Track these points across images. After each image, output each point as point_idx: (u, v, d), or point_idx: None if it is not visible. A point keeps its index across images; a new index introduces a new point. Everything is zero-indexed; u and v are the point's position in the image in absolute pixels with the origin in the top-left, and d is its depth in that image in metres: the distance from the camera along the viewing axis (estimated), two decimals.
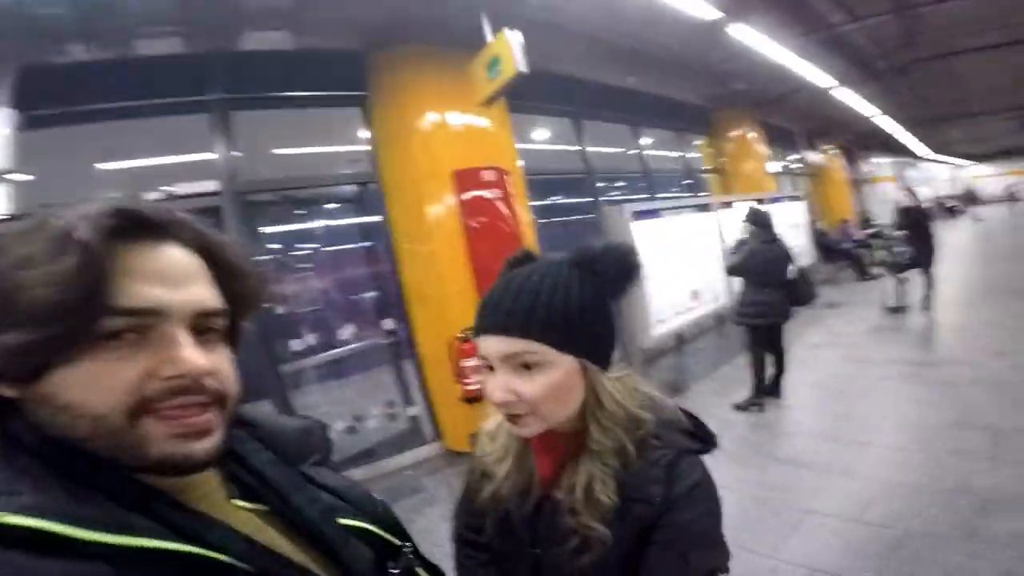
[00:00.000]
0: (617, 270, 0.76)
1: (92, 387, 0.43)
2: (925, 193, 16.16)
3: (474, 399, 3.69)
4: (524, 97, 4.88)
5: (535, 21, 3.78)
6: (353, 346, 4.10)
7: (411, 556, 0.69)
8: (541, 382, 0.72)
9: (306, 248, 4.25)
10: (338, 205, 4.51)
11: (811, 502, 2.69)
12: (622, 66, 5.81)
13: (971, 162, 28.84)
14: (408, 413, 4.24)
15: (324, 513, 0.61)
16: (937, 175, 26.40)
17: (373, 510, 0.70)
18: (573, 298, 0.73)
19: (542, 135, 5.92)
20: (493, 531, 0.87)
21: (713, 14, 4.63)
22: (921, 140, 16.97)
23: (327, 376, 4.26)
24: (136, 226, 0.46)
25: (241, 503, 0.58)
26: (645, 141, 7.02)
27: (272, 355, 3.60)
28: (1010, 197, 19.43)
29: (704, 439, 0.82)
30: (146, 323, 0.45)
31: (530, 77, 3.21)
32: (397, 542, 0.69)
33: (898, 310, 6.36)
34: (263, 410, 0.72)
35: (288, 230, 4.23)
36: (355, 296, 4.37)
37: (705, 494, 0.76)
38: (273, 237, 4.06)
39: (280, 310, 3.76)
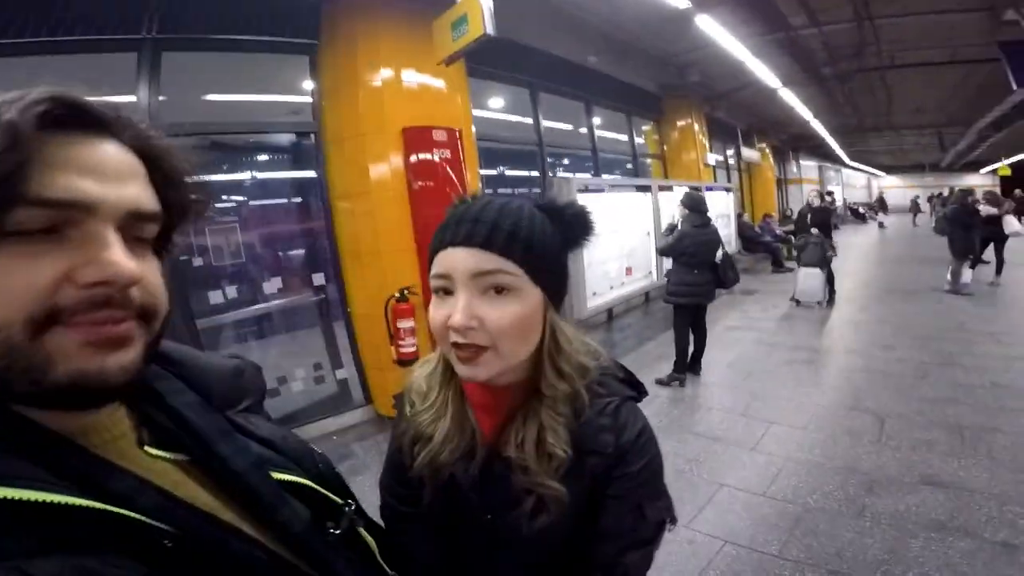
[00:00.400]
0: (579, 223, 0.73)
1: None
2: (837, 197, 17.59)
3: (409, 361, 3.61)
4: (484, 63, 4.76)
5: None
6: (279, 302, 3.84)
7: (354, 515, 0.62)
8: (512, 310, 0.64)
9: (232, 200, 3.87)
10: (269, 157, 4.15)
11: (725, 476, 2.88)
12: (585, 44, 5.81)
13: (884, 173, 31.66)
14: (337, 376, 4.09)
15: (254, 465, 0.53)
16: (855, 182, 28.72)
17: (312, 464, 0.63)
18: (548, 233, 0.70)
19: (496, 104, 5.78)
20: (436, 501, 0.78)
21: (682, 2, 4.65)
22: (844, 147, 18.32)
23: (249, 335, 3.98)
24: (74, 117, 0.39)
25: (156, 451, 0.49)
26: (596, 121, 7.07)
27: (186, 307, 3.30)
28: (914, 208, 21.37)
29: (637, 387, 0.80)
30: (69, 218, 0.38)
31: (493, 42, 3.11)
32: (338, 500, 0.61)
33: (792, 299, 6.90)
34: (185, 348, 0.60)
35: (214, 180, 3.84)
36: (283, 252, 4.06)
37: (650, 441, 0.75)
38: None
39: (199, 262, 3.43)
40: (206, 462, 0.51)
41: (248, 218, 3.86)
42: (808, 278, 6.71)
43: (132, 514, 0.39)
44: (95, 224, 0.39)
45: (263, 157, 4.11)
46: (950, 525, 2.28)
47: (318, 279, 3.98)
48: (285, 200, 4.16)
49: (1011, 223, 7.53)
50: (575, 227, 0.72)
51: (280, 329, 4.06)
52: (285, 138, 4.04)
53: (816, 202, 7.67)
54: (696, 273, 4.25)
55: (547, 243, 0.68)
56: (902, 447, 3.02)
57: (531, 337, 0.68)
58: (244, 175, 3.95)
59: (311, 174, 4.00)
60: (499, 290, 0.64)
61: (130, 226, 0.42)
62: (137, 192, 0.42)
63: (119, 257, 0.39)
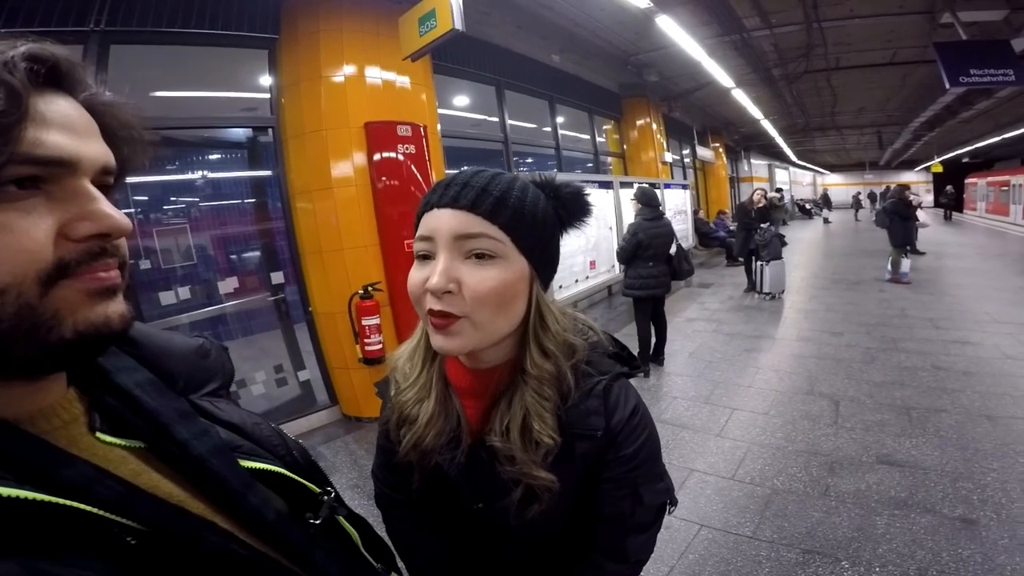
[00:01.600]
0: (576, 203, 0.71)
1: None
2: (786, 194, 18.40)
3: (375, 360, 3.52)
4: (450, 60, 4.72)
5: None
6: (236, 302, 3.66)
7: (334, 503, 0.58)
8: (492, 275, 0.61)
9: (184, 200, 3.65)
10: (224, 154, 3.95)
11: (694, 461, 2.95)
12: (550, 42, 5.88)
13: (828, 171, 33.35)
14: (300, 377, 3.94)
15: (218, 451, 0.48)
16: (801, 179, 30.11)
17: (286, 452, 0.58)
18: (540, 206, 0.67)
19: (462, 101, 5.76)
20: (425, 488, 0.75)
21: (643, 2, 4.73)
22: (792, 146, 19.17)
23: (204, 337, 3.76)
24: (46, 73, 0.39)
25: (109, 438, 0.44)
26: (560, 120, 7.14)
27: (135, 309, 3.08)
28: (855, 204, 22.62)
29: (628, 361, 0.77)
30: (52, 174, 0.37)
31: (459, 39, 3.07)
32: (316, 489, 0.57)
33: (760, 292, 7.17)
34: (142, 325, 0.54)
35: (165, 180, 3.61)
36: (239, 251, 3.87)
37: (644, 420, 0.73)
38: (144, 188, 3.43)
39: (147, 264, 3.23)
40: (163, 448, 0.46)
41: (201, 217, 3.65)
42: (775, 270, 6.97)
43: (88, 508, 0.35)
44: (76, 180, 0.39)
45: (217, 155, 3.90)
46: (910, 502, 2.40)
47: (277, 278, 3.82)
48: (240, 198, 3.96)
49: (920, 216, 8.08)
50: (571, 206, 0.70)
51: (239, 332, 3.87)
52: (241, 134, 3.85)
53: (762, 201, 7.97)
54: (651, 266, 4.34)
55: (538, 215, 0.65)
56: (857, 429, 3.17)
57: (512, 309, 0.65)
58: (197, 173, 3.73)
59: (268, 172, 3.85)
60: (481, 256, 0.61)
61: (100, 182, 0.41)
62: (103, 147, 0.42)
63: (112, 210, 0.40)
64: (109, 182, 0.43)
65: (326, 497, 0.57)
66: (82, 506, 0.35)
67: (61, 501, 0.34)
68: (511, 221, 0.62)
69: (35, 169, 0.36)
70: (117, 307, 0.41)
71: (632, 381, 0.75)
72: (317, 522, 0.54)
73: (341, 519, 0.60)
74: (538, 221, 0.65)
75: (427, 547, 0.81)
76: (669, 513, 0.77)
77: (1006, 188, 17.10)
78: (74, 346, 0.38)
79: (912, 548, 2.10)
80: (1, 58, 0.36)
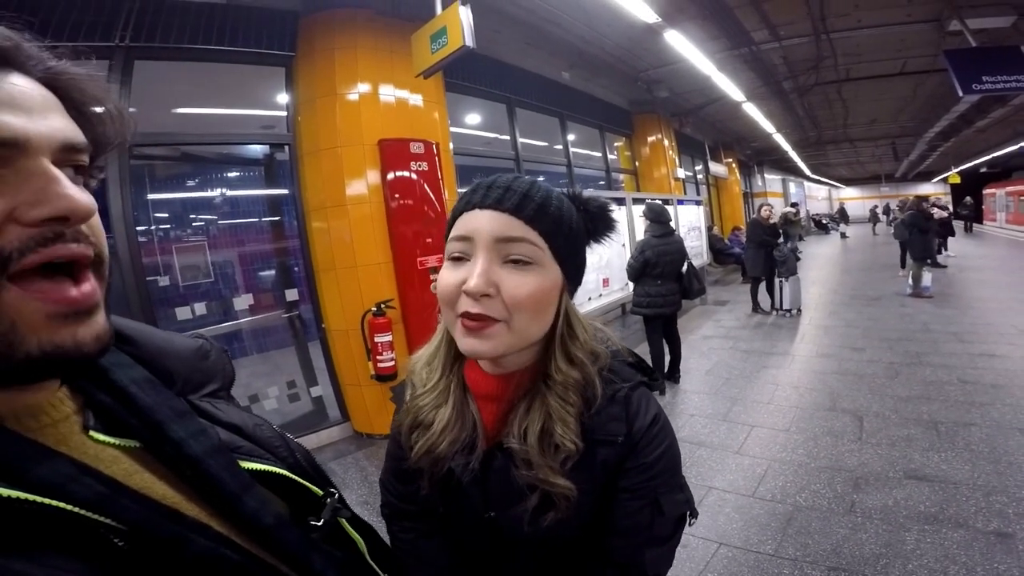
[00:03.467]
0: (602, 218, 0.71)
1: None
2: (801, 209, 18.22)
3: (387, 376, 3.51)
4: (461, 77, 4.81)
5: (487, 3, 3.69)
6: (251, 318, 3.69)
7: (337, 505, 0.56)
8: (532, 282, 0.61)
9: (203, 217, 3.74)
10: (242, 171, 4.04)
11: (712, 479, 2.87)
12: (559, 59, 5.97)
13: (843, 185, 33.02)
14: (312, 393, 3.94)
15: (215, 451, 0.47)
16: (816, 194, 29.84)
17: (288, 454, 0.57)
18: (574, 217, 0.67)
19: (474, 119, 5.86)
20: (435, 496, 0.73)
21: (652, 17, 4.80)
22: (805, 160, 19.05)
23: None
24: None
25: (102, 437, 0.42)
26: (571, 137, 7.19)
27: (151, 320, 3.14)
28: (872, 218, 22.29)
29: (648, 372, 0.76)
30: (2, 156, 0.34)
31: (470, 57, 3.11)
32: (319, 492, 0.56)
33: (779, 309, 7.05)
34: (139, 324, 0.54)
35: (184, 198, 3.71)
36: (255, 269, 3.93)
37: (665, 429, 0.71)
38: (164, 205, 3.53)
39: (165, 281, 3.29)
40: (158, 447, 0.44)
41: (219, 233, 3.72)
42: (793, 286, 6.86)
43: (65, 506, 0.33)
44: (29, 160, 0.35)
45: (235, 172, 4.00)
46: (941, 517, 2.31)
47: (291, 295, 3.86)
48: (257, 214, 4.04)
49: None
50: (598, 221, 0.71)
51: (253, 349, 3.91)
52: (258, 150, 3.94)
53: (772, 216, 7.77)
54: (660, 284, 4.26)
55: (573, 225, 0.66)
56: (882, 444, 3.07)
57: (545, 316, 0.65)
58: (216, 190, 3.82)
59: (284, 190, 3.92)
60: (518, 262, 0.61)
61: (64, 160, 0.38)
62: (63, 123, 0.39)
63: (71, 190, 0.36)
64: (82, 161, 0.40)
65: (328, 499, 0.56)
66: (59, 504, 0.33)
67: (34, 498, 0.32)
68: (551, 228, 0.63)
69: None
70: (90, 329, 0.37)
71: None
72: (319, 524, 0.53)
73: (346, 526, 0.58)
74: (573, 231, 0.66)
75: (431, 559, 0.78)
76: (690, 525, 0.74)
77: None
78: (44, 364, 0.35)
79: (944, 564, 2.01)
80: None
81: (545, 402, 0.66)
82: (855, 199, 32.10)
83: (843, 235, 19.80)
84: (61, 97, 0.40)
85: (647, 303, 4.30)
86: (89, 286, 0.37)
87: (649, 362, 3.81)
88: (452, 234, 0.64)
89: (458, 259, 0.63)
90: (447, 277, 0.63)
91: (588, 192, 0.72)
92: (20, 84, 0.36)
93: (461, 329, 0.62)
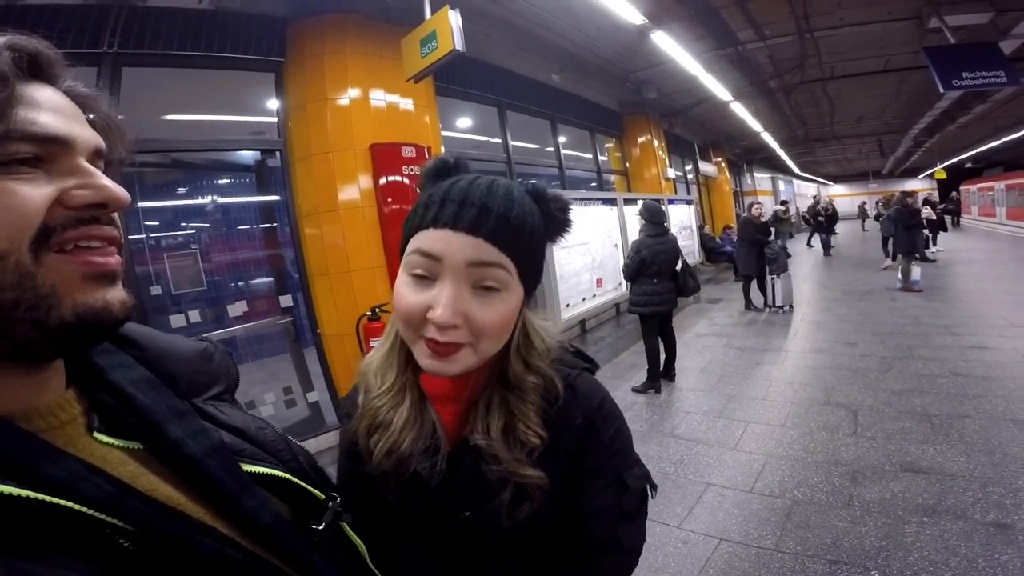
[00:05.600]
0: (562, 220, 0.69)
1: None
2: (791, 207, 18.39)
3: None
4: (452, 82, 4.82)
5: (476, 8, 3.70)
6: (246, 325, 3.67)
7: (338, 510, 0.56)
8: (500, 310, 0.59)
9: (194, 225, 3.71)
10: (233, 177, 4.01)
11: (710, 475, 2.87)
12: (549, 62, 5.99)
13: (831, 182, 33.34)
14: (308, 399, 3.91)
15: (213, 451, 0.47)
16: (805, 191, 30.11)
17: (291, 457, 0.57)
18: (538, 224, 0.65)
19: (465, 123, 5.88)
20: (403, 502, 0.69)
21: (639, 19, 4.84)
22: (793, 158, 19.24)
23: None
24: (28, 63, 0.40)
25: (106, 438, 0.43)
26: (562, 139, 7.22)
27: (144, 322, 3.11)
28: (862, 214, 22.50)
29: (589, 360, 0.78)
30: (50, 152, 0.39)
31: (461, 61, 3.13)
32: (321, 495, 0.56)
33: (772, 306, 7.10)
34: (143, 327, 0.54)
35: (175, 205, 3.68)
36: (248, 275, 3.90)
37: (613, 410, 0.73)
38: (156, 213, 3.49)
39: (157, 290, 3.26)
40: (158, 448, 0.45)
41: (210, 241, 3.69)
42: (785, 283, 6.92)
43: (73, 505, 0.33)
44: (73, 158, 0.40)
45: (227, 179, 3.97)
46: (939, 509, 2.32)
47: (285, 301, 3.83)
48: (249, 223, 4.01)
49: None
50: (559, 222, 0.69)
51: (248, 356, 3.87)
52: (250, 158, 3.92)
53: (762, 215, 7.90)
54: (656, 283, 4.28)
55: (537, 237, 0.64)
56: (878, 437, 3.09)
57: (508, 334, 0.65)
58: (207, 197, 3.79)
59: (276, 196, 3.90)
60: (488, 288, 0.59)
61: (93, 164, 0.42)
62: (92, 132, 0.44)
63: (110, 182, 0.41)
64: (102, 167, 0.44)
65: (330, 503, 0.56)
66: (67, 503, 0.33)
67: (43, 497, 0.32)
68: (522, 250, 0.61)
69: (34, 147, 0.37)
70: (117, 293, 0.41)
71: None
72: (321, 528, 0.53)
73: (349, 531, 0.58)
74: (537, 243, 0.64)
75: (409, 562, 0.73)
76: (652, 498, 0.75)
77: (991, 192, 19.41)
78: (75, 330, 0.38)
79: (945, 555, 2.02)
80: None
81: (505, 400, 0.66)
82: (844, 196, 32.38)
83: (827, 250, 13.27)
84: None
85: (644, 302, 4.32)
86: (115, 259, 0.42)
87: (648, 362, 3.77)
88: (415, 246, 0.60)
89: (419, 277, 0.59)
90: (409, 297, 0.59)
91: (552, 191, 0.69)
92: (58, 96, 0.42)
93: (425, 351, 0.60)
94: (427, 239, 0.59)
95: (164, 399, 0.47)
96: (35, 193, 0.37)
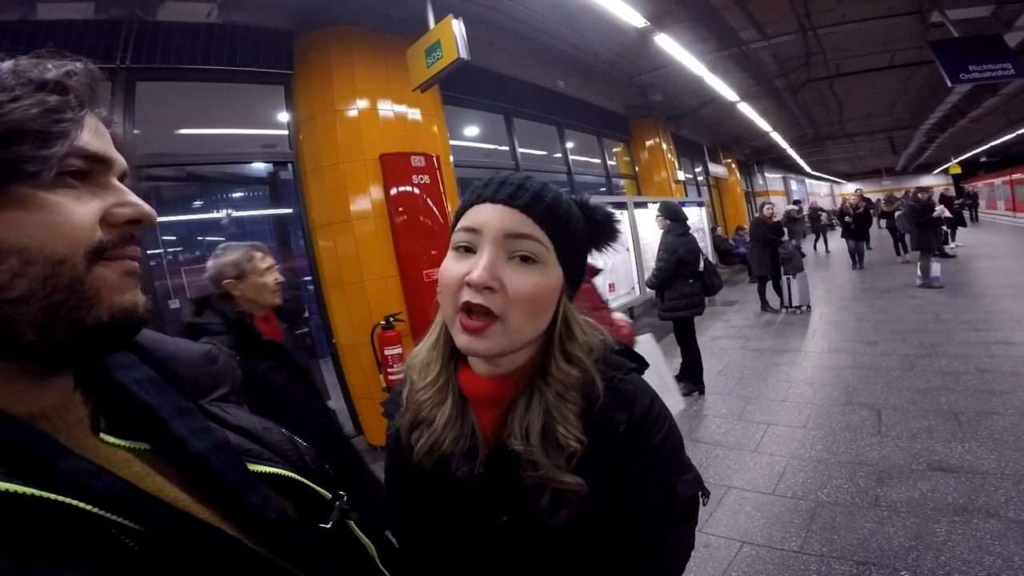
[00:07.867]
0: (607, 226, 0.72)
1: (52, 226, 0.38)
2: (804, 206, 18.15)
3: None
4: (458, 91, 4.86)
5: (478, 17, 3.73)
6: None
7: (345, 508, 0.56)
8: (535, 281, 0.62)
9: (210, 239, 3.78)
10: (246, 191, 4.08)
11: (731, 478, 2.83)
12: (553, 68, 6.01)
13: (844, 180, 32.93)
14: None
15: (218, 448, 0.47)
16: (818, 190, 29.80)
17: (297, 457, 0.57)
18: (580, 222, 0.69)
19: (472, 132, 5.93)
20: (441, 503, 0.70)
21: (640, 21, 4.85)
22: (804, 157, 19.04)
23: None
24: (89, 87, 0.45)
25: (112, 439, 0.43)
26: (569, 145, 7.23)
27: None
28: (878, 211, 22.13)
29: (637, 358, 0.76)
30: (94, 169, 0.42)
31: (466, 70, 3.16)
32: (327, 494, 0.56)
33: (789, 307, 7.01)
34: (147, 330, 0.54)
35: (190, 220, 3.75)
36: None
37: (664, 410, 0.71)
38: (171, 228, 3.57)
39: (175, 304, 3.32)
40: (163, 447, 0.45)
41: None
42: (801, 283, 6.84)
43: (83, 505, 0.34)
44: (110, 177, 0.44)
45: (240, 192, 4.04)
46: (971, 508, 2.26)
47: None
48: (263, 236, 4.07)
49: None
50: (603, 229, 0.72)
51: None
52: (263, 170, 3.99)
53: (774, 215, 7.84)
54: (691, 283, 4.20)
55: (578, 231, 0.68)
56: (903, 437, 3.02)
57: (543, 316, 0.65)
58: (222, 209, 3.86)
59: (289, 209, 3.96)
60: (524, 259, 0.62)
61: (121, 182, 0.46)
62: (119, 155, 0.46)
63: (141, 201, 0.44)
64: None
65: (337, 502, 0.56)
66: (75, 502, 0.33)
67: (54, 496, 0.32)
68: (558, 229, 0.64)
69: (83, 163, 0.41)
70: (140, 296, 0.44)
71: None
72: (327, 527, 0.53)
73: (357, 531, 0.58)
74: (578, 235, 0.67)
75: (442, 566, 0.74)
76: (703, 504, 0.73)
77: (992, 187, 20.98)
78: (107, 330, 0.40)
79: (979, 554, 1.96)
80: (65, 68, 0.43)
81: (544, 399, 0.65)
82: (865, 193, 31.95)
83: (858, 261, 10.61)
84: None
85: (685, 304, 4.20)
86: (138, 264, 0.45)
87: (687, 367, 3.63)
88: (459, 225, 0.65)
89: (463, 250, 0.63)
90: (451, 267, 0.63)
91: (594, 200, 0.73)
92: (93, 118, 0.45)
93: (460, 327, 0.63)
94: (469, 215, 0.64)
95: (169, 398, 0.48)
96: (85, 208, 0.40)
